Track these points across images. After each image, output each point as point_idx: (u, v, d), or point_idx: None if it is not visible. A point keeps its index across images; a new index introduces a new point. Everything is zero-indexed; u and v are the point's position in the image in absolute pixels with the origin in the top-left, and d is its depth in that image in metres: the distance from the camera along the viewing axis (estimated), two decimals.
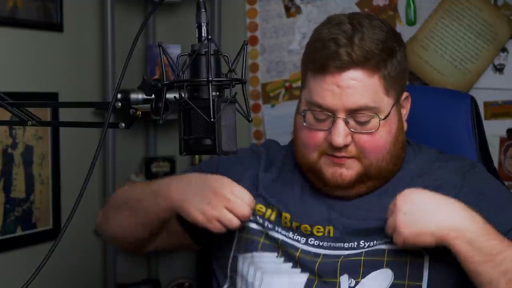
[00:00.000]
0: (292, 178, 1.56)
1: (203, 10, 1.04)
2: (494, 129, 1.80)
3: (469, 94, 1.78)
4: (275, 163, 1.60)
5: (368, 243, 1.42)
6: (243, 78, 1.05)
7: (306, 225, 1.47)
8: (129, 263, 2.63)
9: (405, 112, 1.53)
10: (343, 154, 1.44)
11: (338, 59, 1.40)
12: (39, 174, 2.24)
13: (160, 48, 1.04)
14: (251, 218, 1.50)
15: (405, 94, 1.52)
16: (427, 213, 1.33)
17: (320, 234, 1.46)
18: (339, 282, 1.41)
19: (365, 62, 1.41)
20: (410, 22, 2.28)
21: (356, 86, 1.41)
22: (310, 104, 1.46)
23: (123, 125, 1.06)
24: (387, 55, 1.44)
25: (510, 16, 2.19)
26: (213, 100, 1.00)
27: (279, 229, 1.50)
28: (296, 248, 1.47)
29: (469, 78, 2.20)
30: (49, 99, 2.24)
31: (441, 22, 2.25)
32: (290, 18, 2.44)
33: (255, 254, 1.49)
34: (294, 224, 1.48)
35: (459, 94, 1.93)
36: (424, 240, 1.32)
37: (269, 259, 1.48)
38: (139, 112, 1.06)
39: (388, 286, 1.39)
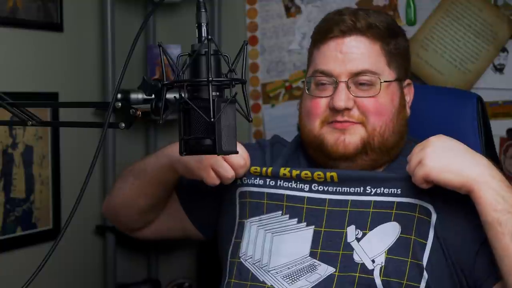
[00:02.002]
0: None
1: (203, 10, 1.04)
2: (494, 129, 1.80)
3: (476, 93, 1.78)
4: (279, 157, 1.61)
5: (375, 189, 1.42)
6: (243, 78, 1.05)
7: (307, 171, 1.47)
8: (129, 263, 2.63)
9: (408, 99, 1.56)
10: (345, 118, 1.45)
11: (342, 24, 1.47)
12: (39, 174, 2.24)
13: (160, 48, 1.04)
14: (249, 181, 1.51)
15: (407, 81, 1.54)
16: (458, 155, 1.33)
17: (321, 180, 1.45)
18: (346, 232, 1.41)
19: (368, 30, 1.47)
20: (410, 22, 2.28)
21: (358, 52, 1.46)
22: (313, 72, 1.50)
23: (123, 125, 1.06)
24: (389, 34, 1.50)
25: (510, 16, 2.19)
26: (213, 100, 1.00)
27: (281, 183, 1.49)
28: (302, 200, 1.47)
29: (469, 78, 2.20)
30: (49, 99, 2.24)
31: (441, 22, 2.25)
32: (290, 18, 2.44)
33: (263, 216, 1.49)
34: (294, 173, 1.48)
35: (466, 94, 1.92)
36: (447, 177, 1.31)
37: (275, 219, 1.48)
38: (139, 112, 1.06)
39: (395, 239, 1.39)
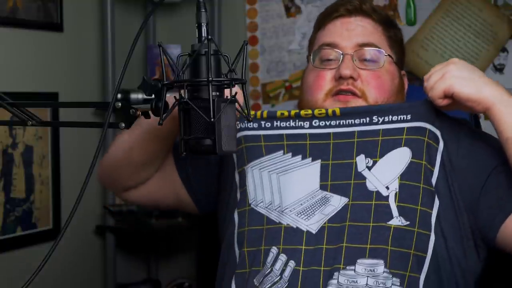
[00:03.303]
0: None
1: (203, 10, 1.03)
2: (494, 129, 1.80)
3: None
4: None
5: (382, 118, 1.41)
6: (243, 78, 1.05)
7: (307, 109, 1.45)
8: (129, 263, 2.63)
9: (405, 88, 1.57)
10: (349, 87, 1.45)
11: (349, 4, 1.51)
12: (39, 174, 2.25)
13: (160, 48, 1.04)
14: (242, 126, 1.47)
15: (403, 72, 1.56)
16: (479, 75, 1.36)
17: (323, 115, 1.43)
18: (355, 162, 1.40)
19: (373, 13, 1.51)
20: (410, 22, 2.28)
21: (364, 29, 1.50)
22: (319, 46, 1.50)
23: (123, 125, 1.06)
24: (390, 22, 1.55)
25: (510, 16, 2.19)
26: (213, 100, 1.00)
27: (278, 123, 1.47)
28: (303, 137, 1.44)
29: None
30: (49, 99, 2.24)
31: (441, 22, 2.25)
32: (290, 18, 2.44)
33: (262, 159, 1.46)
34: (293, 112, 1.45)
35: None
36: (469, 91, 1.33)
37: (277, 159, 1.45)
38: (139, 112, 1.05)
39: (407, 165, 1.38)
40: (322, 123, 1.43)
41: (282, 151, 1.45)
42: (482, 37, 2.21)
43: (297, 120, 1.45)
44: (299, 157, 1.44)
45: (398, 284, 1.30)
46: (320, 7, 2.38)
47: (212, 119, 0.99)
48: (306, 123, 1.44)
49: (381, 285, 1.29)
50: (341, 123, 1.43)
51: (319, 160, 1.42)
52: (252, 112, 1.48)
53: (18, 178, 2.18)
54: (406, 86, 1.58)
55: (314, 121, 1.44)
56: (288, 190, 1.42)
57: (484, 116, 2.17)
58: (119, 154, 1.56)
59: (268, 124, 1.47)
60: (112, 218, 2.47)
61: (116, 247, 2.50)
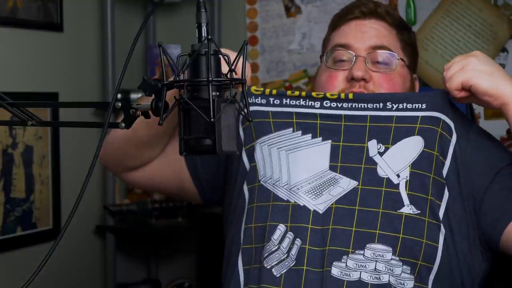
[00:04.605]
0: None
1: (203, 10, 1.03)
2: (494, 129, 1.79)
3: None
4: None
5: (397, 105, 1.41)
6: (243, 78, 1.05)
7: (318, 91, 1.45)
8: (129, 263, 2.63)
9: (415, 91, 1.57)
10: (361, 90, 1.45)
11: (364, 6, 1.52)
12: (39, 174, 2.25)
13: (160, 48, 1.04)
14: (249, 101, 1.45)
15: (414, 75, 1.56)
16: (499, 70, 1.36)
17: (335, 96, 1.42)
18: (367, 147, 1.40)
19: (387, 15, 1.52)
20: (410, 22, 2.28)
21: (377, 32, 1.50)
22: (332, 47, 1.51)
23: (123, 125, 1.06)
24: (403, 25, 1.55)
25: (510, 16, 2.19)
26: (213, 100, 1.00)
27: (287, 101, 1.45)
28: (314, 116, 1.43)
29: None
30: (49, 99, 2.25)
31: (441, 22, 2.25)
32: (290, 18, 2.44)
33: (271, 135, 1.45)
34: (304, 92, 1.45)
35: None
36: (487, 85, 1.33)
37: (286, 136, 1.44)
38: (139, 112, 1.06)
39: (419, 153, 1.38)
40: (333, 105, 1.42)
41: (291, 129, 1.44)
42: (482, 37, 2.21)
43: (307, 100, 1.44)
44: (309, 136, 1.43)
45: (409, 272, 1.31)
46: (320, 7, 2.39)
47: (212, 119, 0.99)
48: (317, 103, 1.43)
49: (389, 271, 1.30)
50: (354, 106, 1.42)
51: (330, 141, 1.41)
52: (261, 88, 1.47)
53: (18, 178, 2.18)
54: (417, 90, 1.58)
55: (325, 102, 1.42)
56: (296, 168, 1.41)
57: (484, 116, 2.19)
58: (123, 134, 1.52)
59: (277, 101, 1.46)
60: (112, 218, 2.47)
61: (116, 247, 2.50)
